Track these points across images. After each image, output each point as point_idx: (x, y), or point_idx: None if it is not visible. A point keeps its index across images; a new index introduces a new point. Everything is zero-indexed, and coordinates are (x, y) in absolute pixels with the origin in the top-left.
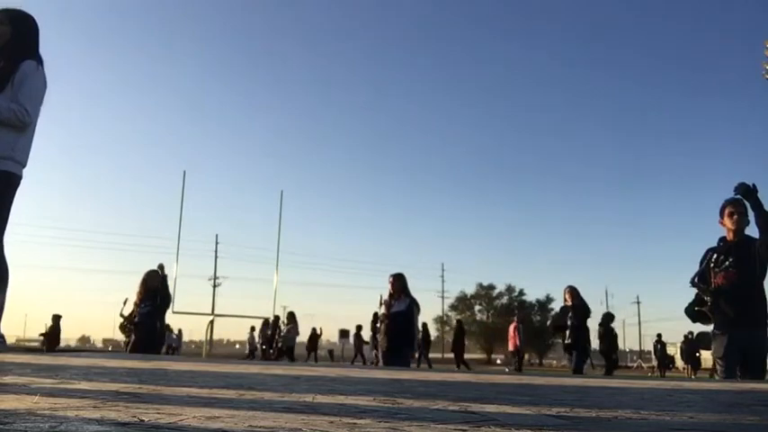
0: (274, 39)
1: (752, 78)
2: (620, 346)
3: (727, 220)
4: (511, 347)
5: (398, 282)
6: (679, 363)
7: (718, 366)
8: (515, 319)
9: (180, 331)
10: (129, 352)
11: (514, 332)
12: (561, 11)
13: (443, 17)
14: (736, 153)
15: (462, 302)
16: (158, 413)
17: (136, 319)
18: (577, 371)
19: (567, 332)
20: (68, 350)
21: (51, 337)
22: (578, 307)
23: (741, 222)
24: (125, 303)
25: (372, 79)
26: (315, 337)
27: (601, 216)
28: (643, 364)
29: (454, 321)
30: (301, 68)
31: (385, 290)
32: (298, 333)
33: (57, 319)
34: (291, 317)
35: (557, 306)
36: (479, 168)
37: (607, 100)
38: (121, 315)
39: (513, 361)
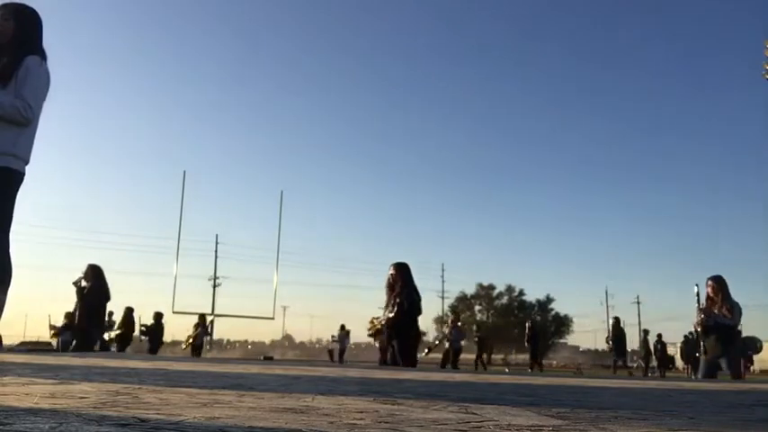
0: (275, 40)
1: (752, 78)
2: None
3: None
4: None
5: None
6: (679, 363)
7: None
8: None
9: None
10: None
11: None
12: (557, 13)
13: (445, 20)
14: (735, 153)
15: (462, 302)
16: (158, 413)
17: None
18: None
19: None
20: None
21: (155, 336)
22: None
23: None
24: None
25: (372, 79)
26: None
27: (601, 216)
28: (642, 363)
29: (457, 321)
30: (301, 69)
31: (383, 290)
32: (207, 334)
33: (160, 317)
34: (201, 319)
35: (557, 306)
36: (479, 168)
37: (606, 99)
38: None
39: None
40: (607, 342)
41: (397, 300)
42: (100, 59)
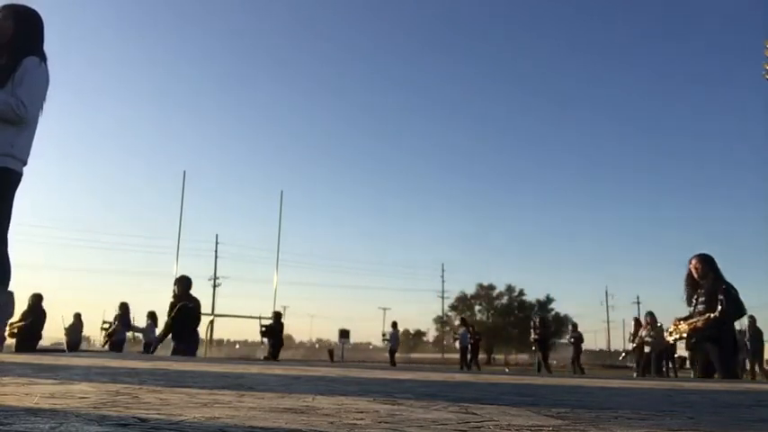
0: (274, 40)
1: (752, 78)
2: (620, 346)
3: None
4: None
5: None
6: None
7: None
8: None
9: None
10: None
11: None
12: (557, 14)
13: (445, 20)
14: (735, 153)
15: (462, 302)
16: (158, 413)
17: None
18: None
19: None
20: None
21: (277, 337)
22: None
23: None
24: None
25: (372, 80)
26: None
27: (601, 216)
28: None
29: (456, 321)
30: (300, 69)
31: (383, 290)
32: (131, 328)
33: (279, 316)
34: (122, 308)
35: (557, 306)
36: (479, 169)
37: (606, 99)
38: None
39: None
40: (745, 344)
41: (720, 297)
42: (100, 59)
